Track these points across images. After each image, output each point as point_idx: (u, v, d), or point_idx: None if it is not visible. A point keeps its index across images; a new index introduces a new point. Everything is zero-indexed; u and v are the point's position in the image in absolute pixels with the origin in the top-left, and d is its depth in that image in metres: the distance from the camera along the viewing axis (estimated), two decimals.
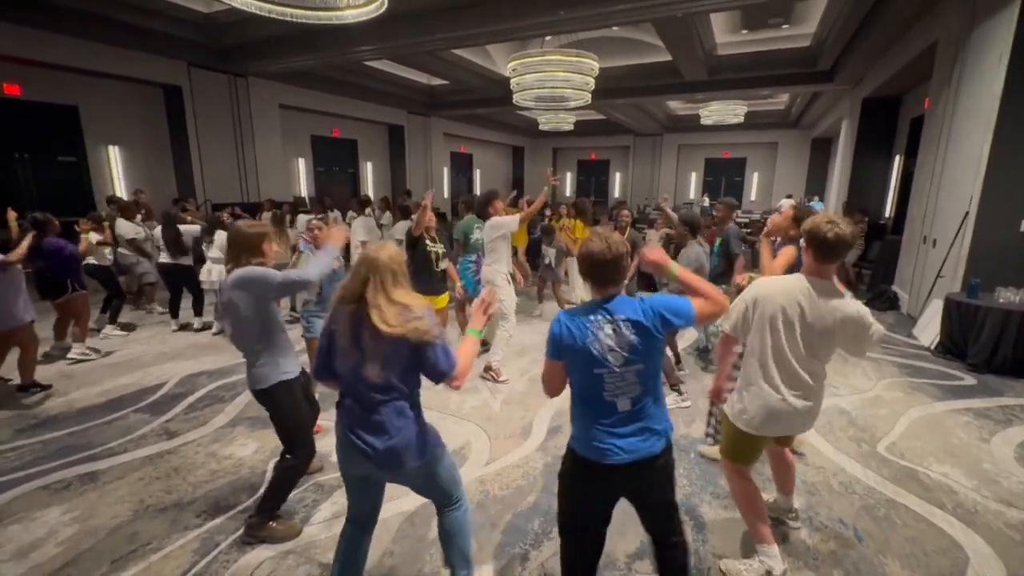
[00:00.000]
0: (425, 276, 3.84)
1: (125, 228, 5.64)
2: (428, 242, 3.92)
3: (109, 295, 5.39)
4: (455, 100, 14.65)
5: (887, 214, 9.62)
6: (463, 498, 1.82)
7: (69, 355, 4.56)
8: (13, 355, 3.86)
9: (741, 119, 13.99)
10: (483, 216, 4.38)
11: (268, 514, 2.26)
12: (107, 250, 5.40)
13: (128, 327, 5.53)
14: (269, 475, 2.37)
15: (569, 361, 1.57)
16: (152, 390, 3.93)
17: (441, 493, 1.77)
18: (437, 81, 13.46)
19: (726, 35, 9.86)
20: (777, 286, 1.92)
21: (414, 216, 3.75)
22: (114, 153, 9.56)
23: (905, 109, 9.07)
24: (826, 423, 3.43)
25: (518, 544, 2.26)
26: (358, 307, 1.59)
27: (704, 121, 14.46)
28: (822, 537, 2.32)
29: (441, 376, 1.62)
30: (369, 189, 14.85)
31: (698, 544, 2.26)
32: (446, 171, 17.84)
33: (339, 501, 2.56)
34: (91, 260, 5.09)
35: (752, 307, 1.94)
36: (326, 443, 2.90)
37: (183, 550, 2.21)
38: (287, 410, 2.24)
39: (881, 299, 6.61)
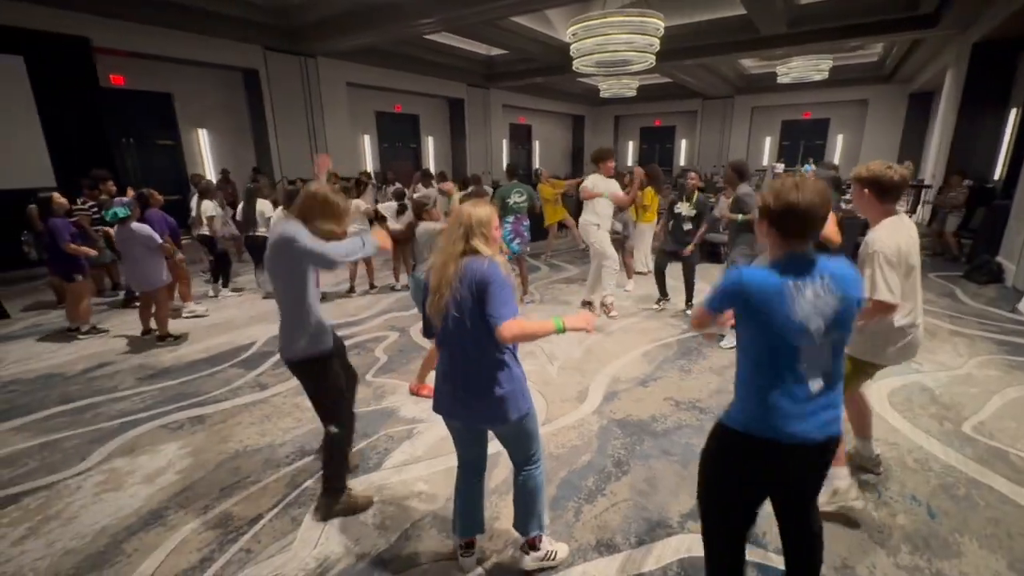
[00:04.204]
0: None
1: (206, 207, 6.17)
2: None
3: (215, 262, 6.04)
4: (514, 70, 14.47)
5: (996, 176, 8.53)
6: (542, 458, 1.91)
7: (183, 313, 5.26)
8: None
9: (826, 75, 12.71)
10: (597, 167, 4.93)
11: (336, 491, 2.27)
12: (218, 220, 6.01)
13: (239, 290, 6.25)
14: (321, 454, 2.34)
15: (754, 322, 1.38)
16: (245, 348, 4.39)
17: (524, 449, 1.84)
18: (496, 51, 13.34)
19: None
20: (899, 231, 2.02)
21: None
22: (203, 136, 10.43)
23: None
24: (904, 400, 3.24)
25: (572, 498, 2.38)
26: (461, 260, 1.66)
27: (782, 80, 13.30)
28: (890, 512, 2.25)
29: (500, 316, 1.60)
30: (430, 163, 15.17)
31: None
32: (505, 143, 17.80)
33: (407, 451, 2.79)
34: (203, 231, 5.83)
35: (898, 259, 1.98)
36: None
37: (277, 484, 2.52)
38: (320, 386, 2.20)
39: (982, 270, 5.97)
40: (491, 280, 1.61)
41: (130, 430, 3.06)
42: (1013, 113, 8.19)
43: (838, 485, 2.17)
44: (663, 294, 5.24)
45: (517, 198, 5.21)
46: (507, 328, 1.58)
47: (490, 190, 8.08)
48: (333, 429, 2.22)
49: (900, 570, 1.93)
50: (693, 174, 5.06)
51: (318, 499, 2.30)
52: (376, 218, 6.21)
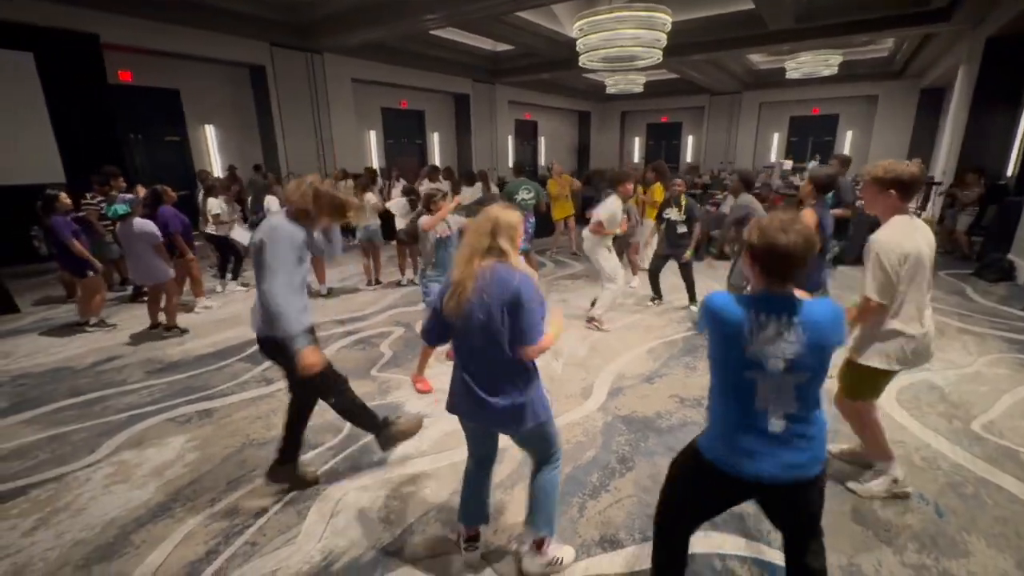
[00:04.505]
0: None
1: (211, 204, 6.18)
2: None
3: (222, 255, 6.10)
4: (520, 66, 14.40)
5: (1008, 173, 8.41)
6: (560, 459, 1.92)
7: (196, 309, 5.32)
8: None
9: (835, 70, 12.54)
10: (615, 190, 4.51)
11: (378, 428, 2.43)
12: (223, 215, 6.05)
13: (247, 284, 6.27)
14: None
15: (716, 347, 1.41)
16: (251, 342, 4.40)
17: (542, 451, 1.86)
18: (502, 47, 13.29)
19: None
20: (908, 232, 2.02)
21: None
22: (210, 132, 10.48)
23: None
24: (912, 397, 3.21)
25: (577, 494, 2.38)
26: (486, 258, 1.67)
27: (790, 75, 13.12)
28: (897, 511, 2.23)
29: (529, 339, 1.65)
30: (436, 159, 15.16)
31: None
32: (510, 139, 17.75)
33: (412, 445, 2.79)
34: (210, 229, 5.89)
35: (900, 264, 1.99)
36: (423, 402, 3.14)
37: None
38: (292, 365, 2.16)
39: (992, 268, 5.90)
40: (525, 298, 1.62)
41: (138, 423, 3.09)
42: None
43: (897, 475, 2.28)
44: (657, 294, 5.31)
45: (525, 195, 5.21)
46: (533, 351, 1.67)
47: (496, 189, 8.08)
48: (332, 400, 2.37)
49: (906, 568, 1.92)
50: (679, 181, 5.16)
51: (376, 442, 2.49)
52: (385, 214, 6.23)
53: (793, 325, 1.31)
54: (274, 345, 2.12)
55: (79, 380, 3.72)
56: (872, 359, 2.16)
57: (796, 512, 1.46)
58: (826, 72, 12.51)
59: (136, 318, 5.06)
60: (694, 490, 1.55)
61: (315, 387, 2.31)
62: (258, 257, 2.04)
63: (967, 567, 1.92)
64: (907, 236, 2.01)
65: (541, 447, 1.85)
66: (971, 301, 5.22)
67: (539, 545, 1.91)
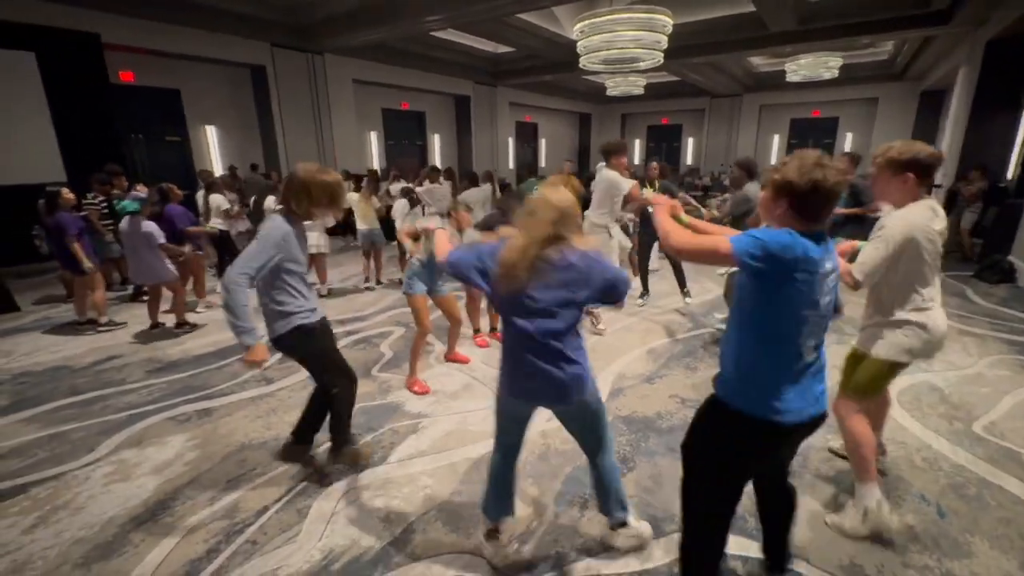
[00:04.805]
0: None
1: (218, 200, 6.17)
2: None
3: (221, 258, 6.06)
4: (521, 68, 14.42)
5: (1009, 175, 8.42)
6: (613, 440, 1.98)
7: (197, 309, 5.31)
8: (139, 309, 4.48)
9: (836, 73, 12.56)
10: (607, 162, 4.18)
11: (344, 440, 2.56)
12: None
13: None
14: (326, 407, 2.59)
15: (779, 294, 1.34)
16: None
17: (596, 432, 1.89)
18: (503, 49, 13.30)
19: None
20: (927, 217, 1.90)
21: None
22: (211, 132, 10.48)
23: None
24: (913, 399, 3.21)
25: (578, 494, 2.37)
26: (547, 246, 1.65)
27: (790, 78, 13.15)
28: (898, 511, 2.22)
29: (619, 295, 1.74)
30: (437, 161, 15.18)
31: None
32: (511, 141, 17.77)
33: (412, 445, 2.80)
34: (216, 222, 5.83)
35: (899, 245, 1.89)
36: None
37: (282, 476, 2.54)
38: (312, 353, 2.37)
39: (993, 270, 5.91)
40: (616, 276, 1.69)
41: (138, 422, 3.09)
42: None
43: (868, 505, 2.04)
44: (645, 288, 5.28)
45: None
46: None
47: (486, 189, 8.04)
48: (335, 390, 2.44)
49: (909, 569, 1.92)
50: (655, 164, 5.09)
51: (328, 452, 2.61)
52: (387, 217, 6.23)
53: (833, 258, 1.38)
54: (278, 342, 2.26)
55: (78, 379, 3.72)
56: (883, 351, 2.05)
57: (793, 450, 1.54)
58: (826, 75, 12.53)
59: (136, 317, 5.05)
60: (742, 459, 1.50)
61: (321, 371, 2.45)
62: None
63: (970, 568, 1.92)
64: (923, 218, 1.89)
65: (595, 425, 1.87)
66: (972, 303, 5.22)
67: (622, 525, 1.97)
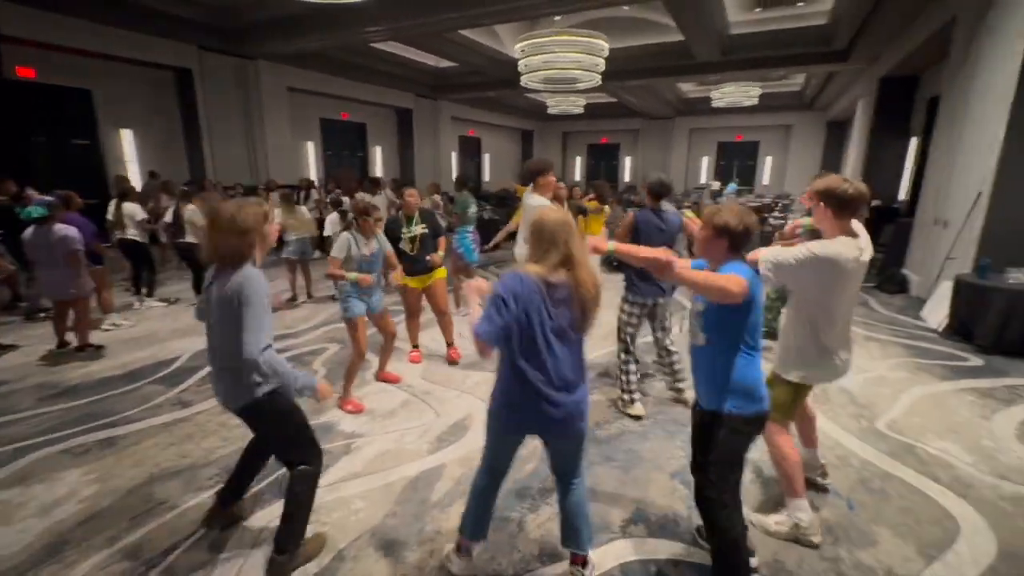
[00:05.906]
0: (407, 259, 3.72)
1: (132, 209, 5.66)
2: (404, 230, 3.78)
3: (136, 271, 5.57)
4: (463, 83, 14.55)
5: (901, 197, 9.45)
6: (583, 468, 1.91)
7: (103, 325, 4.82)
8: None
9: (755, 101, 13.74)
10: (528, 184, 3.64)
11: (295, 543, 1.95)
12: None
13: (166, 300, 5.81)
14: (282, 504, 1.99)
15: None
16: (167, 363, 4.06)
17: (578, 457, 1.83)
18: (445, 63, 13.37)
19: (740, 13, 9.64)
20: (848, 246, 1.89)
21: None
22: (127, 136, 9.70)
23: (922, 89, 8.85)
24: (826, 400, 3.46)
25: (516, 508, 2.33)
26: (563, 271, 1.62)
27: (716, 104, 14.22)
28: (815, 506, 2.36)
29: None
30: (378, 173, 14.88)
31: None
32: (454, 155, 17.79)
33: (344, 467, 2.65)
34: (130, 234, 5.37)
35: (817, 264, 1.86)
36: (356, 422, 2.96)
37: (198, 508, 2.31)
38: (289, 420, 2.03)
39: (892, 281, 6.54)
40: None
41: (23, 457, 2.72)
42: (913, 141, 9.13)
43: (800, 518, 2.09)
44: None
45: (475, 208, 5.29)
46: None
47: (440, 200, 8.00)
48: (303, 467, 1.96)
49: (824, 561, 2.03)
50: (561, 184, 5.23)
51: (269, 559, 1.94)
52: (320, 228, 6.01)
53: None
54: (251, 408, 1.92)
55: None
56: (791, 372, 2.09)
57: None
58: (747, 102, 13.67)
59: (30, 338, 4.52)
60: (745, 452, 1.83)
61: (291, 440, 2.01)
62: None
63: (875, 556, 2.06)
64: (849, 249, 1.89)
65: (578, 452, 1.82)
66: (874, 311, 5.75)
67: (584, 562, 1.87)
